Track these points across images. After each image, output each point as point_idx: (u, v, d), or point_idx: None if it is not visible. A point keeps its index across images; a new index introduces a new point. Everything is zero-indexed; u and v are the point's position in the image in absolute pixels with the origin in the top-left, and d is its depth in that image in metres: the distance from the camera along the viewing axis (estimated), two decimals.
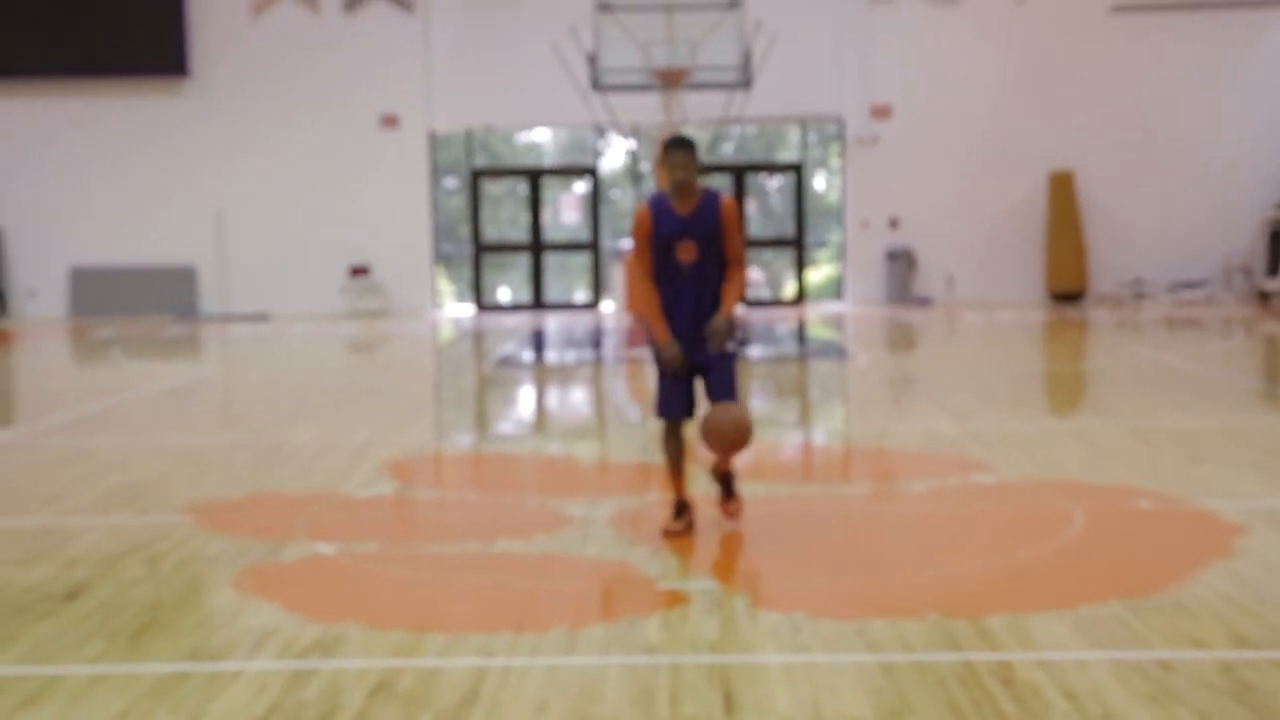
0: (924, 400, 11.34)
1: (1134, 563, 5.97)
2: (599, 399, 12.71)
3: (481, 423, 11.19)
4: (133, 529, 6.87)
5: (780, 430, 10.17)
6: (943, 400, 11.16)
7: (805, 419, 11.15)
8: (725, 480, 6.66)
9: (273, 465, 8.76)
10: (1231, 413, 10.60)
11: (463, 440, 10.11)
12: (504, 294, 24.57)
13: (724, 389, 6.36)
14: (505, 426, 11.02)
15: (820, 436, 10.16)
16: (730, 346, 6.37)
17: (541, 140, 24.79)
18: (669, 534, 6.46)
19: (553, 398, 13.06)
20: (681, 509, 6.55)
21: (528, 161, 24.58)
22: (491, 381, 14.04)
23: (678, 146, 6.25)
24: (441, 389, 13.79)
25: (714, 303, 6.35)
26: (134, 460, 9.01)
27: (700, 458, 7.46)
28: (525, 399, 12.92)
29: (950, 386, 12.23)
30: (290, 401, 12.25)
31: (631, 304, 9.30)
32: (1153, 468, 8.08)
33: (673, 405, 6.46)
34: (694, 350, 6.36)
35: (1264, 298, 21.84)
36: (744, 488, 7.27)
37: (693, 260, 6.30)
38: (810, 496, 7.57)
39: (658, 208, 6.36)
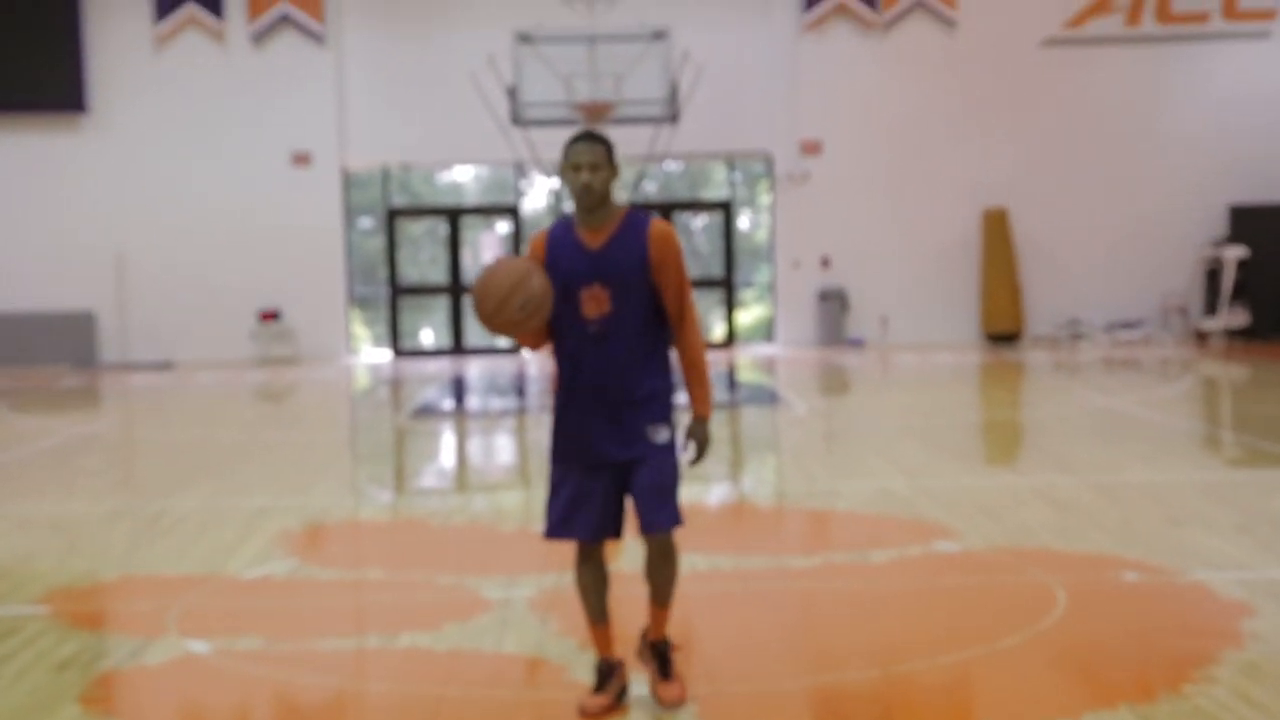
0: (871, 453, 10.58)
1: (1135, 654, 5.20)
2: (522, 452, 11.83)
3: (393, 482, 10.27)
4: None
5: (718, 488, 9.33)
6: (891, 453, 10.41)
7: (745, 476, 10.32)
8: (659, 654, 4.74)
9: (153, 538, 7.80)
10: (1199, 465, 9.95)
11: (371, 504, 9.19)
12: (426, 337, 23.63)
13: (659, 505, 4.55)
14: (420, 486, 10.11)
15: (763, 496, 9.34)
16: (661, 436, 4.58)
17: (464, 179, 23.93)
18: (587, 715, 4.54)
19: (473, 451, 12.16)
20: (606, 674, 4.67)
21: (449, 201, 23.69)
22: (407, 433, 13.13)
23: (580, 137, 4.56)
24: (351, 443, 12.84)
25: (633, 377, 4.56)
26: None
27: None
28: (443, 453, 12.02)
29: (897, 437, 11.49)
30: (183, 461, 11.24)
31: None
32: (1130, 531, 7.34)
33: (569, 520, 4.59)
34: (606, 443, 4.56)
35: (1201, 338, 21.42)
36: (682, 557, 6.45)
37: (602, 315, 4.52)
38: (757, 571, 6.75)
39: (557, 236, 4.62)
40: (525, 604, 6.08)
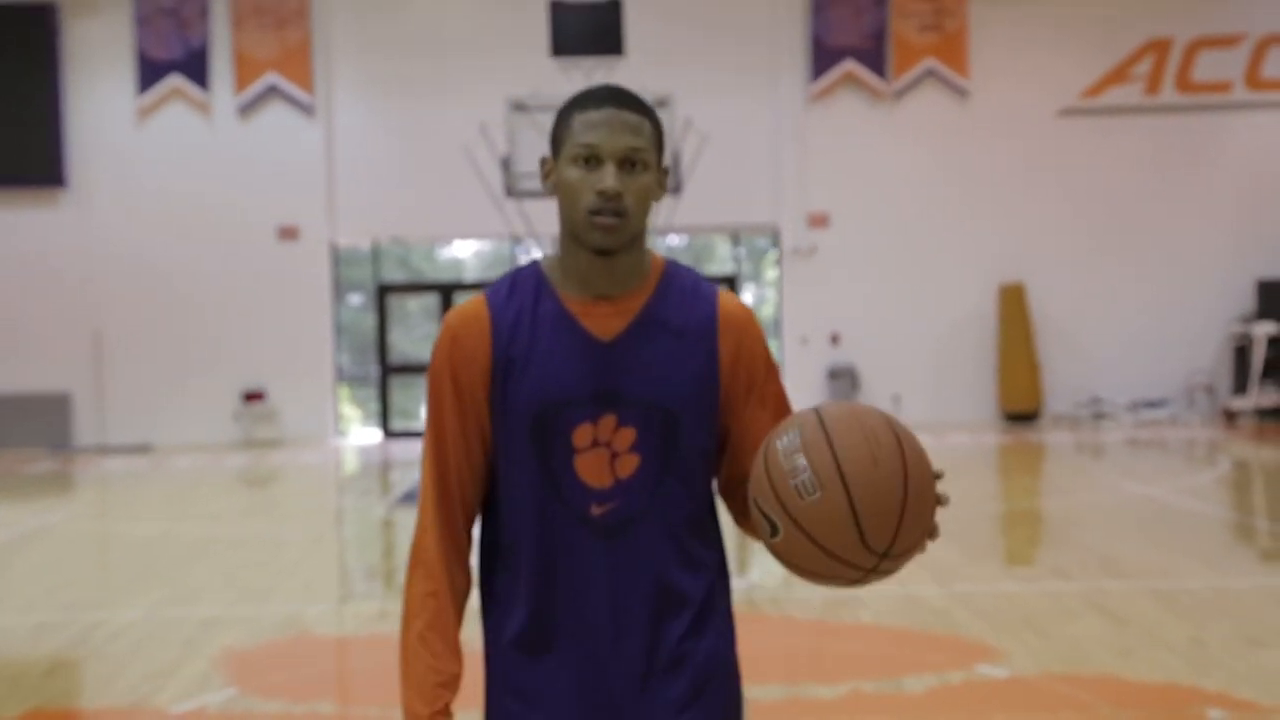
0: None
1: None
2: None
3: (364, 586, 9.27)
4: None
5: None
6: None
7: (751, 577, 9.30)
8: None
9: (79, 660, 6.81)
10: (1264, 568, 8.94)
11: (333, 614, 8.18)
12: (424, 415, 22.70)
13: None
14: (395, 589, 9.10)
15: (775, 603, 8.31)
16: None
17: (463, 255, 23.11)
18: None
19: None
20: None
21: (448, 277, 22.85)
22: (390, 526, 12.14)
23: (604, 96, 2.27)
24: (325, 538, 11.82)
25: (679, 616, 2.36)
26: None
27: None
28: None
29: None
30: (136, 560, 10.25)
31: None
32: (1204, 654, 6.34)
33: None
34: None
35: (1230, 417, 20.43)
36: None
37: (619, 481, 2.29)
38: (774, 703, 5.75)
39: (516, 311, 2.32)
40: None
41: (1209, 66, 21.24)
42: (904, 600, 7.69)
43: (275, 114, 20.90)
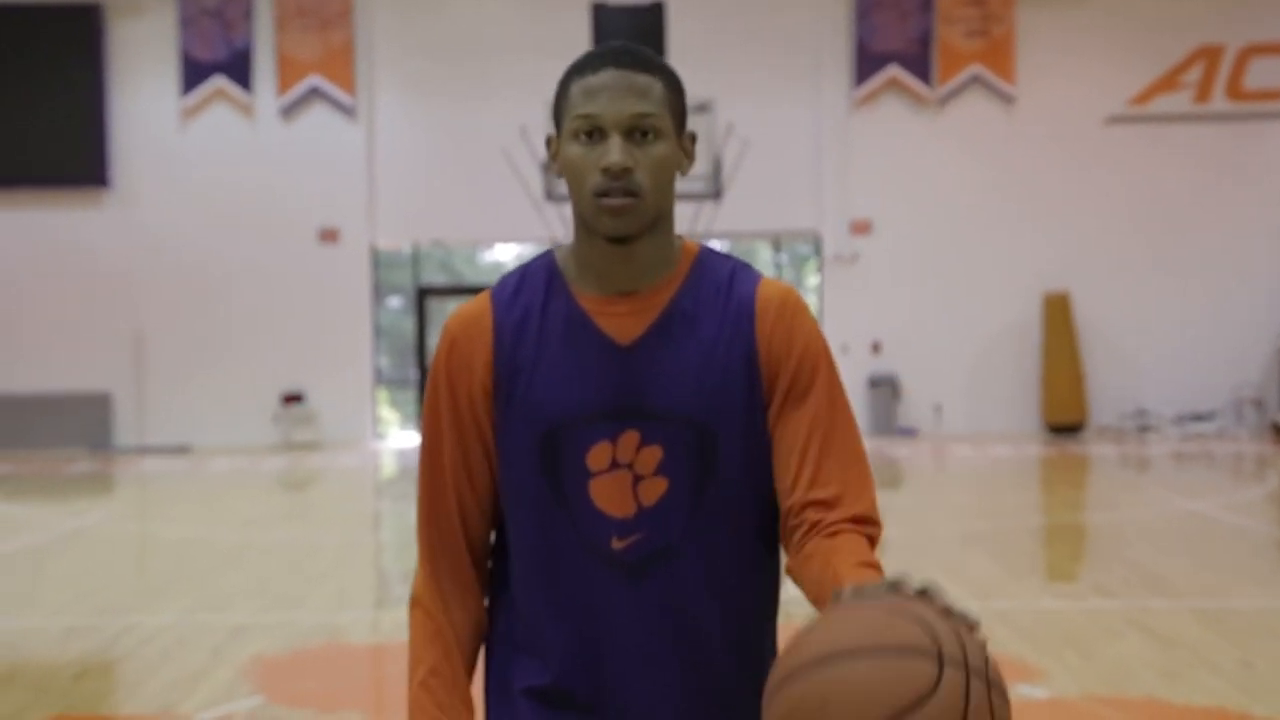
0: (932, 565, 9.40)
1: None
2: None
3: (398, 593, 9.19)
4: None
5: None
6: (956, 566, 9.23)
7: (787, 593, 9.15)
8: None
9: (106, 665, 6.76)
10: None
11: (365, 621, 8.10)
12: None
13: None
14: None
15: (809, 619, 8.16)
16: None
17: (505, 259, 23.06)
18: None
19: None
20: None
21: (490, 281, 22.78)
22: None
23: (605, 56, 1.94)
24: (360, 544, 11.76)
25: (728, 674, 2.05)
26: None
27: None
28: None
29: (960, 545, 10.32)
30: (169, 564, 10.22)
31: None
32: (1254, 677, 6.16)
33: None
34: None
35: (1278, 431, 20.10)
36: None
37: (645, 509, 1.96)
38: None
39: (523, 310, 2.02)
40: None
41: (1261, 74, 20.92)
42: None
43: (317, 116, 20.92)
